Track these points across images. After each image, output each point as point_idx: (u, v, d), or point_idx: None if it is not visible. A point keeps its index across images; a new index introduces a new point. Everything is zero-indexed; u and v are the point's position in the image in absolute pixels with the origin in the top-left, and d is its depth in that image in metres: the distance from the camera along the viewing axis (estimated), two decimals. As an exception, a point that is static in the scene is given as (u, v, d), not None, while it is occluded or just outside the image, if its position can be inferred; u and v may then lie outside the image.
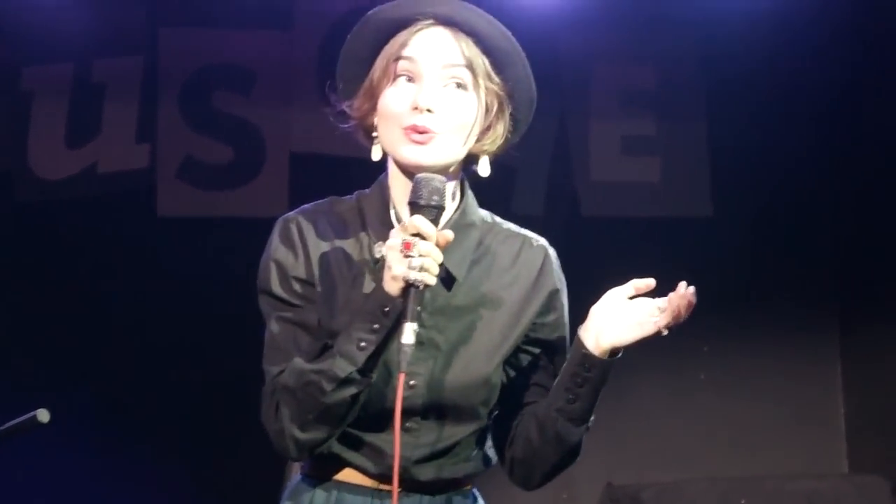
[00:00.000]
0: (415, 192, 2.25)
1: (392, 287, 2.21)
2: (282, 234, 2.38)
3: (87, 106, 5.12)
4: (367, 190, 2.44)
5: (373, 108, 2.38)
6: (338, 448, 2.34)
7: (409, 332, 2.19)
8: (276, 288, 2.35)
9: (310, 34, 5.15)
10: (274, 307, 2.35)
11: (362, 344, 2.24)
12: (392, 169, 2.39)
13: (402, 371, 2.19)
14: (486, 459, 2.45)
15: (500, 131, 2.44)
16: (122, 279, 5.01)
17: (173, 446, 4.98)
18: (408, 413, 2.31)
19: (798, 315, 5.37)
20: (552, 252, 2.53)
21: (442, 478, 2.38)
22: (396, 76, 2.35)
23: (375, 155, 2.39)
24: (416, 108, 2.31)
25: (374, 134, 2.38)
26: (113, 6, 5.12)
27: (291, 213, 2.41)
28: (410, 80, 2.34)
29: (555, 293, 2.48)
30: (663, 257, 5.24)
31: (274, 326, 2.35)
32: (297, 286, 2.34)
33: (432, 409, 2.35)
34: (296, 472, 2.46)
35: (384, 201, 2.38)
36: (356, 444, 2.34)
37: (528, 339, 2.43)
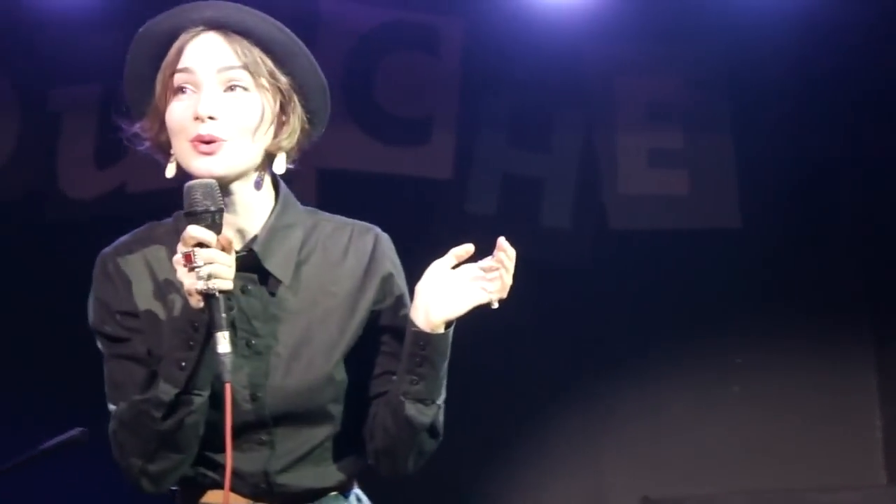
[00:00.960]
0: (186, 202, 2.22)
1: (192, 302, 2.18)
2: (101, 271, 2.37)
3: (115, 126, 5.14)
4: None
5: (162, 125, 2.32)
6: (202, 471, 2.33)
7: (223, 342, 2.17)
8: (104, 326, 2.34)
9: (335, 51, 5.16)
10: (105, 345, 2.35)
11: (182, 364, 2.22)
12: None
13: (227, 381, 2.17)
14: (359, 458, 2.41)
15: (294, 125, 2.35)
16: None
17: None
18: (258, 426, 2.30)
19: (831, 326, 5.34)
20: (384, 236, 2.43)
21: (312, 486, 2.35)
22: (177, 89, 2.29)
23: (169, 172, 2.33)
24: (197, 118, 2.26)
25: (172, 151, 2.32)
26: (139, 26, 5.13)
27: (108, 249, 2.40)
28: (192, 90, 2.28)
29: (388, 277, 2.39)
30: (692, 269, 5.23)
31: (109, 365, 2.35)
32: (122, 320, 2.33)
33: (282, 417, 2.32)
34: None
35: (178, 225, 2.32)
36: (216, 465, 2.31)
37: (369, 329, 2.37)
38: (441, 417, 2.36)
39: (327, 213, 2.45)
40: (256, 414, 2.30)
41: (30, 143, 5.15)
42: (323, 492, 2.37)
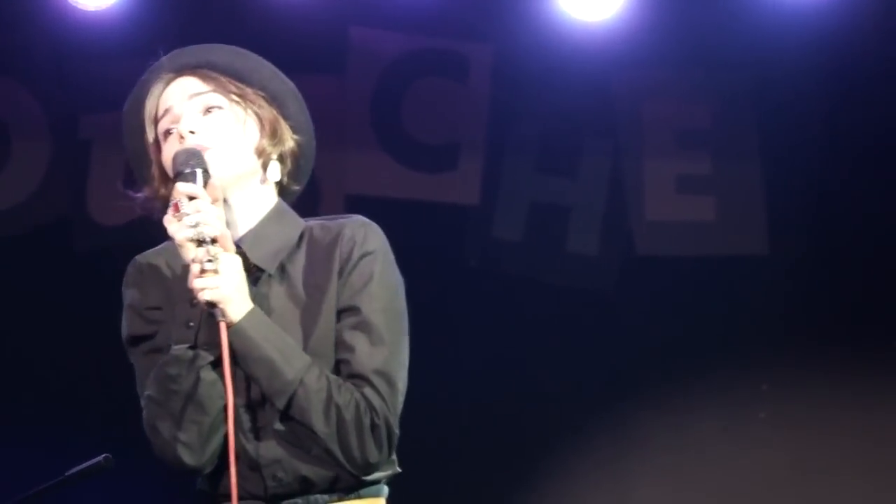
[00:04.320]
0: (173, 166, 2.36)
1: (183, 253, 2.30)
2: (127, 279, 2.50)
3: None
4: None
5: (166, 178, 2.44)
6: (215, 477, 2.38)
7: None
8: (133, 328, 2.44)
9: (363, 77, 5.19)
10: (136, 348, 2.44)
11: (190, 323, 2.32)
12: None
13: (222, 321, 2.27)
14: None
15: (279, 131, 2.46)
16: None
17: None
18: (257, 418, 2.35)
19: (858, 353, 5.31)
20: (356, 222, 2.48)
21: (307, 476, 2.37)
22: (165, 133, 2.43)
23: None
24: (181, 138, 2.39)
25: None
26: (168, 54, 5.17)
27: (134, 258, 2.53)
28: (176, 128, 2.42)
29: (347, 258, 2.41)
30: (719, 296, 5.22)
31: (139, 367, 2.44)
32: (147, 314, 2.43)
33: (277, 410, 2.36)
34: None
35: None
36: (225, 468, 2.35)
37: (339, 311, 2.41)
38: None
39: (320, 218, 2.52)
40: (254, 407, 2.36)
41: (60, 170, 5.18)
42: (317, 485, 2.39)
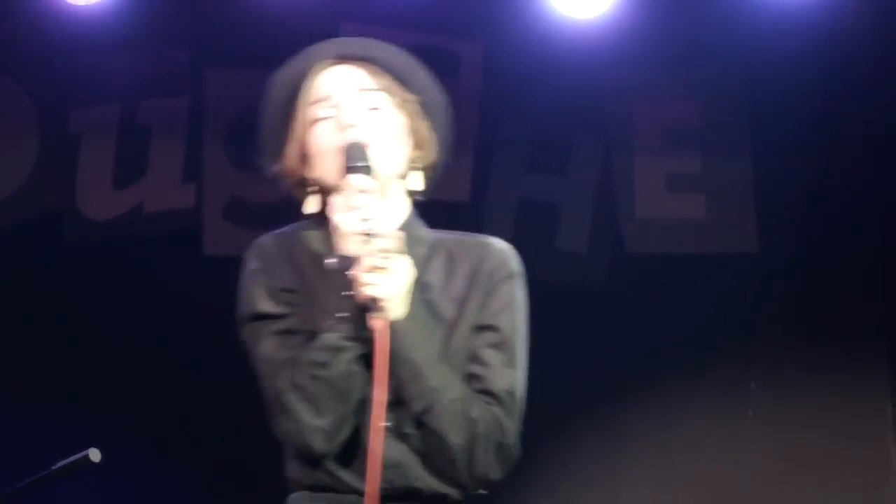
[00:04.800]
0: (346, 159, 2.37)
1: (348, 246, 2.31)
2: (257, 255, 2.50)
3: (133, 147, 5.17)
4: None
5: (302, 159, 2.48)
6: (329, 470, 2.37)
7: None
8: (264, 305, 2.43)
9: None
10: (263, 326, 2.43)
11: (342, 314, 2.33)
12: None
13: (380, 318, 2.27)
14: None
15: (427, 140, 2.53)
16: (168, 318, 5.03)
17: (222, 484, 4.99)
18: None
19: (847, 352, 5.32)
20: (496, 245, 2.54)
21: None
22: (318, 118, 2.45)
23: (311, 207, 2.50)
24: (343, 128, 2.41)
25: (311, 190, 2.49)
26: (159, 48, 5.17)
27: (261, 238, 2.54)
28: (332, 115, 2.44)
29: (488, 280, 2.47)
30: (709, 294, 5.22)
31: (266, 342, 2.42)
32: (283, 296, 2.43)
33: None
34: None
35: (324, 229, 2.45)
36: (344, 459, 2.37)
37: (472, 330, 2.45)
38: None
39: (451, 232, 2.57)
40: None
41: (49, 164, 5.17)
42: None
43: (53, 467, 3.34)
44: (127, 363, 5.00)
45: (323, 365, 2.32)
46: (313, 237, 2.48)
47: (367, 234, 2.30)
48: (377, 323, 2.28)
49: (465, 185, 5.23)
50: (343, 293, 2.31)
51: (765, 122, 5.31)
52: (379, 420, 2.28)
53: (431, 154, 2.53)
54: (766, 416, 5.30)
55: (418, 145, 2.50)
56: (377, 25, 5.19)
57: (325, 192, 2.46)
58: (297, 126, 2.46)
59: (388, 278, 2.29)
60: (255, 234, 5.77)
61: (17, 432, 4.84)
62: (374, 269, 2.29)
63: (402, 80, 2.50)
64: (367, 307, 2.29)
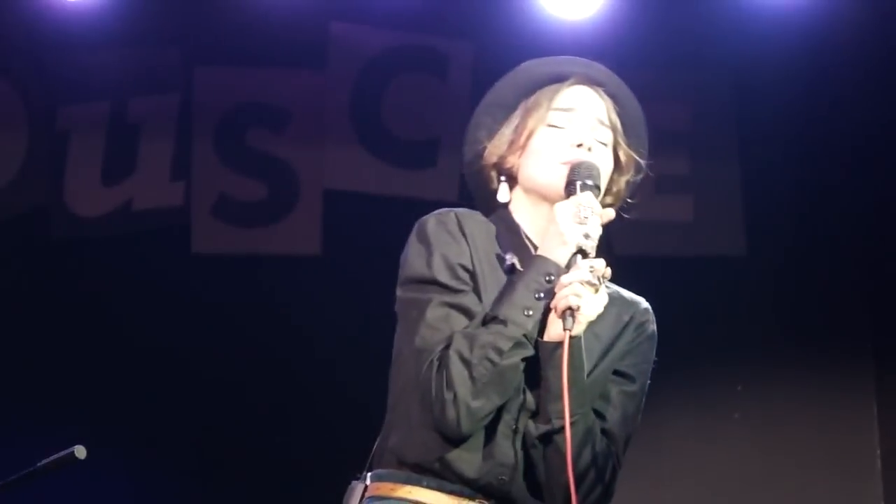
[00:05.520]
0: (575, 174, 2.48)
1: (560, 253, 2.41)
2: (440, 227, 2.54)
3: (122, 144, 5.17)
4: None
5: (513, 147, 2.55)
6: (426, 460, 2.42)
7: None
8: (439, 274, 2.47)
9: (343, 73, 5.19)
10: (436, 292, 2.46)
11: (528, 312, 2.39)
12: (521, 200, 2.58)
13: (568, 330, 2.36)
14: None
15: (619, 195, 2.65)
16: (156, 315, 5.03)
17: (210, 483, 4.99)
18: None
19: (833, 355, 5.33)
20: (647, 304, 2.75)
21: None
22: (552, 124, 2.55)
23: (504, 196, 2.58)
24: (580, 145, 2.52)
25: (503, 178, 2.57)
26: (148, 46, 5.17)
27: (443, 210, 2.58)
28: (566, 126, 2.54)
29: (641, 329, 2.66)
30: (696, 296, 5.23)
31: (433, 310, 2.45)
32: (460, 273, 2.48)
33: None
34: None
35: (511, 226, 2.56)
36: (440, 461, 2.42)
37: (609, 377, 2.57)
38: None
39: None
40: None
41: (37, 160, 5.17)
42: None
43: (39, 464, 3.34)
44: (115, 360, 4.99)
45: (500, 352, 2.37)
46: (501, 226, 2.56)
47: (582, 250, 2.41)
48: (565, 334, 2.36)
49: (453, 184, 5.22)
50: (538, 294, 2.39)
51: (753, 125, 5.32)
52: (567, 427, 2.35)
53: (615, 207, 2.60)
54: (753, 416, 5.31)
55: (607, 193, 2.60)
56: (367, 25, 5.21)
57: (513, 184, 2.57)
58: (530, 120, 2.55)
59: (593, 298, 2.39)
60: (242, 232, 5.79)
61: (2, 429, 4.83)
62: (589, 284, 2.38)
63: (625, 127, 2.62)
64: (563, 315, 2.37)
